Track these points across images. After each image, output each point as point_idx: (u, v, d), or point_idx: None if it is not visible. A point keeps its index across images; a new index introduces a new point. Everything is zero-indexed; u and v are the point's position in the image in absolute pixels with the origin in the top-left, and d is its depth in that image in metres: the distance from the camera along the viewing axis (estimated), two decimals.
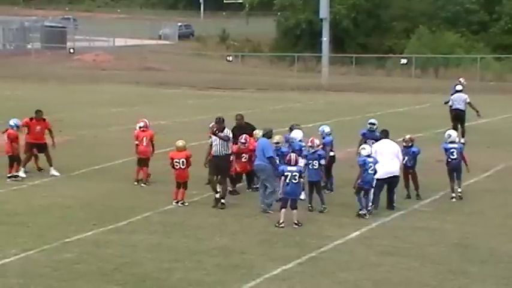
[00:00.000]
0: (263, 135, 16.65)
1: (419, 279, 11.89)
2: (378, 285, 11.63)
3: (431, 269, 12.37)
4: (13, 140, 19.23)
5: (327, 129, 17.90)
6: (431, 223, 15.21)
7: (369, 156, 15.66)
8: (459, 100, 25.63)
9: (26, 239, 13.82)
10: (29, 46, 71.01)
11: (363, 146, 16.31)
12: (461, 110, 25.53)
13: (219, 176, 16.45)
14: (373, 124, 18.55)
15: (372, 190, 15.79)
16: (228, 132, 16.47)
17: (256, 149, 16.62)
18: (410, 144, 17.34)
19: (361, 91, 46.91)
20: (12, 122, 19.49)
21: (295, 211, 14.81)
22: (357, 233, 14.43)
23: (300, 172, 14.93)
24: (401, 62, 56.93)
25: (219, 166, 16.37)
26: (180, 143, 16.61)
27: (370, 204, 15.82)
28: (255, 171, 16.79)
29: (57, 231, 14.32)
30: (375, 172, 15.70)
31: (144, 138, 18.66)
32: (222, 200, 16.21)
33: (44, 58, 64.60)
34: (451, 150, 17.31)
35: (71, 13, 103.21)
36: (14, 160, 19.24)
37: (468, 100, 25.63)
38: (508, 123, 31.37)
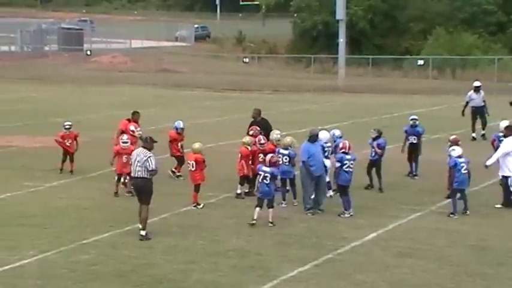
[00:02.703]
0: (308, 140, 16.30)
1: (436, 281, 11.84)
2: (394, 287, 11.58)
3: (448, 270, 12.32)
4: (172, 141, 19.32)
5: (337, 132, 17.96)
6: (448, 225, 15.14)
7: (459, 156, 15.87)
8: None
9: (43, 240, 13.89)
10: (46, 48, 71.53)
11: (453, 147, 16.38)
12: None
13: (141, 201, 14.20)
14: (416, 119, 19.48)
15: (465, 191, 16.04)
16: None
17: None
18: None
19: (378, 92, 46.73)
20: (176, 124, 19.59)
21: (270, 210, 15.00)
22: (374, 234, 14.39)
23: (272, 174, 15.04)
24: (418, 63, 56.68)
25: (140, 189, 14.29)
26: (195, 145, 16.53)
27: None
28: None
29: (74, 232, 14.38)
30: (469, 172, 15.91)
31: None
32: (142, 232, 13.97)
33: (61, 60, 64.90)
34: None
35: (88, 15, 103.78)
36: (178, 160, 19.39)
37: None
38: None
